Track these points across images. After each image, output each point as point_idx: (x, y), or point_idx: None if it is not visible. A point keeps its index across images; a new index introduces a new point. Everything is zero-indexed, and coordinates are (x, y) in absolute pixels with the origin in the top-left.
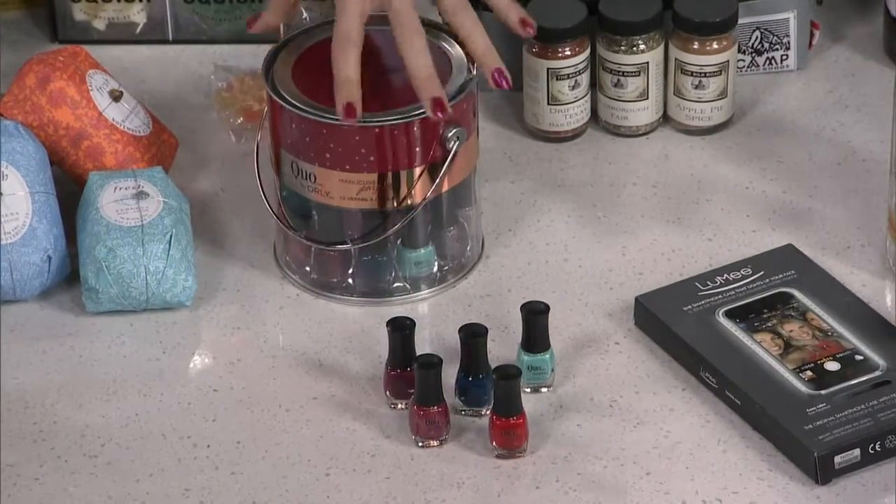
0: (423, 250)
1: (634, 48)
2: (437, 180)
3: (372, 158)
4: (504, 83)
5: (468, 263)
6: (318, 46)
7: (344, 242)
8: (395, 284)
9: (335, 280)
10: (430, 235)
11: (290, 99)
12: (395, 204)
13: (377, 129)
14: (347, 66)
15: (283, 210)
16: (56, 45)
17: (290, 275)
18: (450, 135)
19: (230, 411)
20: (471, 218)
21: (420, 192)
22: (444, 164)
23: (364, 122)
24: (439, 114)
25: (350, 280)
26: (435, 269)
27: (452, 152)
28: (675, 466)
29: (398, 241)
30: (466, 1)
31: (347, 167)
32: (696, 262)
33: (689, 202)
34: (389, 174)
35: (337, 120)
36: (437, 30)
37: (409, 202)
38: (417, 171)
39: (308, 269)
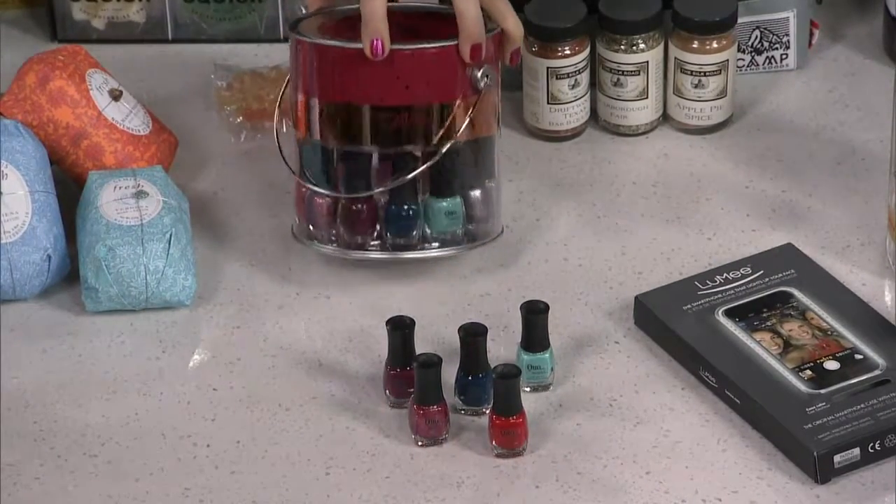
0: (449, 201)
1: (634, 47)
2: (468, 118)
3: (408, 89)
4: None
5: (492, 232)
6: (341, 21)
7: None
8: (424, 245)
9: (363, 239)
10: (458, 189)
11: (323, 40)
12: (435, 140)
13: (412, 54)
14: (373, 3)
15: (304, 172)
16: (55, 44)
17: (320, 245)
18: (480, 73)
19: (230, 411)
20: (493, 190)
21: (449, 132)
22: (475, 102)
23: (399, 47)
24: (473, 60)
25: (377, 235)
26: (461, 228)
27: (482, 88)
28: (674, 465)
29: (427, 193)
30: None
31: (386, 101)
32: (695, 261)
33: (689, 201)
34: (424, 110)
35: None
36: None
37: (444, 142)
38: (448, 110)
39: (334, 232)
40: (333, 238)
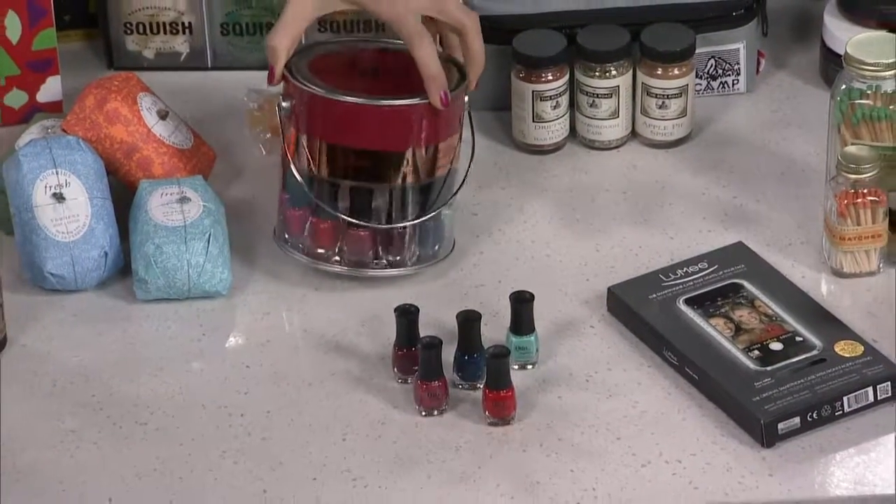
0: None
1: (607, 73)
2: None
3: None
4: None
5: (440, 255)
6: (327, 58)
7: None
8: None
9: (327, 253)
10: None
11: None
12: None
13: (420, 107)
14: (434, 61)
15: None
16: (112, 71)
17: (324, 265)
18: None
19: (261, 385)
20: (448, 217)
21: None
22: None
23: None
24: (443, 105)
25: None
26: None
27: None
28: (642, 432)
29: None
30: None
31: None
32: (659, 257)
33: (654, 206)
34: (422, 149)
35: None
36: None
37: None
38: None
39: (335, 252)
40: (301, 247)
